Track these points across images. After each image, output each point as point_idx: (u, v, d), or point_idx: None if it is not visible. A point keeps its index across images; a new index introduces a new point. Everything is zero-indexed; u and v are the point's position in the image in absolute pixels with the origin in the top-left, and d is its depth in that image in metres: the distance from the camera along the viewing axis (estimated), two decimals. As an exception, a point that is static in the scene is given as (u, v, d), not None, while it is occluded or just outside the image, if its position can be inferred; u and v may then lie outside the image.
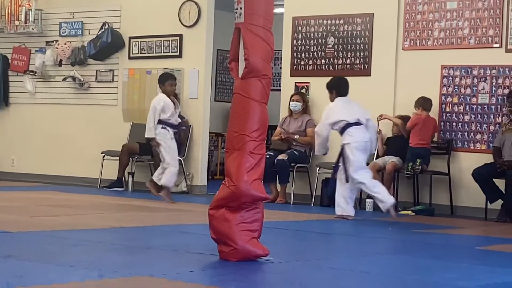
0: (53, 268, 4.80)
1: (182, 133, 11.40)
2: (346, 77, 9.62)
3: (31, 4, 13.63)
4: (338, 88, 9.30)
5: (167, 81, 10.48)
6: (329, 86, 9.39)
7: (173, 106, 10.33)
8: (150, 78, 12.65)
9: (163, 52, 12.66)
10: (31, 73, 13.81)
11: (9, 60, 14.12)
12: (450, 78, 10.51)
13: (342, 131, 9.11)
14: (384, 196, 9.04)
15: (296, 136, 11.14)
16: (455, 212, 10.30)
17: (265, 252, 5.33)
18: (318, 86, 11.34)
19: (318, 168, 10.99)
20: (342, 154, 9.09)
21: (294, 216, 9.29)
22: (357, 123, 9.08)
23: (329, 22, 11.40)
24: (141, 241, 6.44)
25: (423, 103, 10.30)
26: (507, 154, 9.69)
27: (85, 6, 13.39)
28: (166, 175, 10.17)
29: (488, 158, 9.89)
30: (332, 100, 9.30)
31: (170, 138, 10.22)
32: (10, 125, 14.14)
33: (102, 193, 11.50)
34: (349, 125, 9.06)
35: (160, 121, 10.17)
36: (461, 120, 10.44)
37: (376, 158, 10.63)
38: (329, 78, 11.18)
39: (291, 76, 11.65)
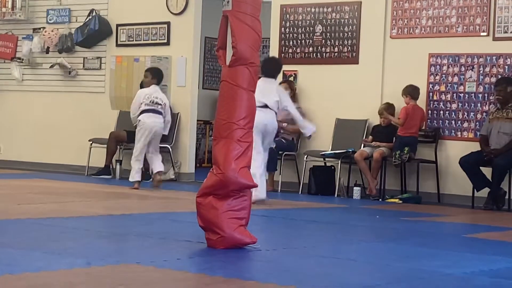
0: (40, 256, 4.80)
1: None
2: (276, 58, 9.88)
3: (18, -9, 13.58)
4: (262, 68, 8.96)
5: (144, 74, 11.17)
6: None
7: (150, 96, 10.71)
8: (138, 66, 12.61)
9: (151, 40, 12.63)
10: (18, 60, 13.76)
11: (-4, 47, 14.08)
12: (438, 66, 10.53)
13: None
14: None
15: (284, 124, 11.13)
16: (442, 200, 10.33)
17: (253, 239, 5.34)
18: (306, 74, 11.37)
19: (305, 156, 11.01)
20: None
21: (281, 204, 9.30)
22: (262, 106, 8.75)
23: (317, 10, 11.40)
24: (129, 228, 6.44)
25: (412, 91, 10.32)
26: (494, 142, 9.72)
27: (72, -7, 13.34)
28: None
29: (475, 146, 9.92)
30: None
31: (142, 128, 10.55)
32: (-3, 112, 14.10)
33: (89, 180, 11.49)
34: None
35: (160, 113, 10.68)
36: (448, 108, 10.46)
37: (364, 147, 10.66)
38: (318, 66, 11.28)
39: (279, 64, 11.63)
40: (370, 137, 10.69)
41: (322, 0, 11.35)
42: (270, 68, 9.18)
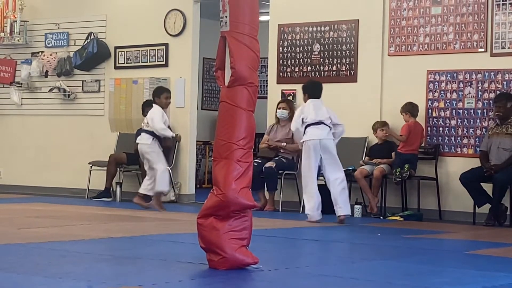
0: (41, 280, 4.78)
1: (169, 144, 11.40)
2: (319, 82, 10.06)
3: (16, 16, 13.60)
4: (309, 91, 9.73)
5: (163, 94, 10.93)
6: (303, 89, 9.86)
7: (167, 121, 10.76)
8: (137, 88, 12.63)
9: (149, 62, 12.65)
10: (17, 85, 13.78)
11: (-5, 72, 14.10)
12: (436, 83, 10.54)
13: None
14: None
15: (284, 144, 11.14)
16: (443, 216, 10.31)
17: (254, 260, 5.32)
18: (304, 93, 11.36)
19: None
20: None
21: (282, 223, 9.29)
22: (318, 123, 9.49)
23: (314, 29, 11.42)
24: (130, 251, 6.42)
25: (412, 109, 10.33)
26: (494, 158, 9.71)
27: (70, 17, 13.37)
28: (159, 180, 10.36)
29: (475, 162, 9.92)
30: (305, 101, 9.77)
31: (158, 146, 10.53)
32: (-4, 137, 14.10)
33: (90, 203, 11.47)
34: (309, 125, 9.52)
35: (150, 132, 10.46)
36: (447, 125, 10.47)
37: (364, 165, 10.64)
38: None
39: (277, 83, 11.66)
40: (367, 157, 10.69)
41: (320, 19, 11.38)
42: (317, 90, 9.70)
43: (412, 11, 10.73)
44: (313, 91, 9.70)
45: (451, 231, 8.91)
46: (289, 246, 7.26)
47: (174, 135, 10.83)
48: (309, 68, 11.44)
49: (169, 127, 10.96)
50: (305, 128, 9.47)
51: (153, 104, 10.73)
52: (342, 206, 9.29)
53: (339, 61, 11.22)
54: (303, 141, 9.50)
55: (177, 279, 4.96)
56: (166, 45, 12.50)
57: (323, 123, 9.42)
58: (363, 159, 10.70)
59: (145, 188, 10.54)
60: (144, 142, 10.50)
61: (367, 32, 11.01)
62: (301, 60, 11.50)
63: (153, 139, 10.48)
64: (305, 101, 9.71)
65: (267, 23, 11.79)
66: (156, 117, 10.51)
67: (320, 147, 9.37)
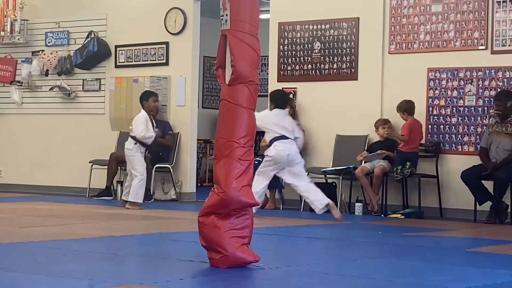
0: (43, 279, 4.78)
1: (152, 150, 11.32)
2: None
3: (16, 15, 13.60)
4: (276, 102, 9.72)
5: (151, 97, 10.96)
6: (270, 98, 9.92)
7: (151, 127, 10.63)
8: (137, 87, 12.63)
9: (150, 60, 12.65)
10: (17, 84, 13.78)
11: (-5, 71, 14.10)
12: (437, 81, 10.54)
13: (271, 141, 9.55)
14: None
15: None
16: (444, 214, 10.31)
17: (256, 258, 5.32)
18: (305, 91, 11.37)
19: (307, 173, 10.98)
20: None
21: (283, 221, 9.29)
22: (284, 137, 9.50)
23: (315, 27, 11.42)
24: (131, 249, 6.42)
25: (408, 107, 10.32)
26: (493, 157, 9.70)
27: (70, 16, 13.37)
28: (137, 191, 10.32)
29: (476, 160, 9.91)
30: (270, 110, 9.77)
31: (141, 152, 10.50)
32: (-3, 136, 14.10)
33: (91, 202, 11.47)
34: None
35: (133, 137, 10.49)
36: (448, 122, 10.46)
37: (364, 163, 10.64)
38: (317, 83, 11.29)
39: (278, 81, 11.65)
40: (365, 152, 10.67)
41: (320, 17, 11.37)
42: (284, 101, 9.77)
43: (412, 9, 10.72)
44: (280, 102, 9.70)
45: (452, 228, 8.92)
46: (290, 244, 7.26)
47: (154, 135, 10.57)
48: (309, 66, 11.43)
49: (166, 133, 10.97)
50: (272, 141, 9.48)
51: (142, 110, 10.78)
52: (318, 198, 9.34)
53: (339, 59, 11.22)
54: (271, 155, 9.44)
55: (178, 278, 4.97)
56: (167, 43, 12.49)
57: (289, 137, 9.45)
58: (362, 154, 10.65)
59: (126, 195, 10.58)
60: (127, 147, 10.53)
61: (367, 30, 11.00)
62: (302, 58, 11.50)
63: (135, 143, 10.48)
64: (270, 110, 9.73)
65: (268, 21, 11.79)
66: (139, 124, 10.48)
67: (287, 161, 9.37)
